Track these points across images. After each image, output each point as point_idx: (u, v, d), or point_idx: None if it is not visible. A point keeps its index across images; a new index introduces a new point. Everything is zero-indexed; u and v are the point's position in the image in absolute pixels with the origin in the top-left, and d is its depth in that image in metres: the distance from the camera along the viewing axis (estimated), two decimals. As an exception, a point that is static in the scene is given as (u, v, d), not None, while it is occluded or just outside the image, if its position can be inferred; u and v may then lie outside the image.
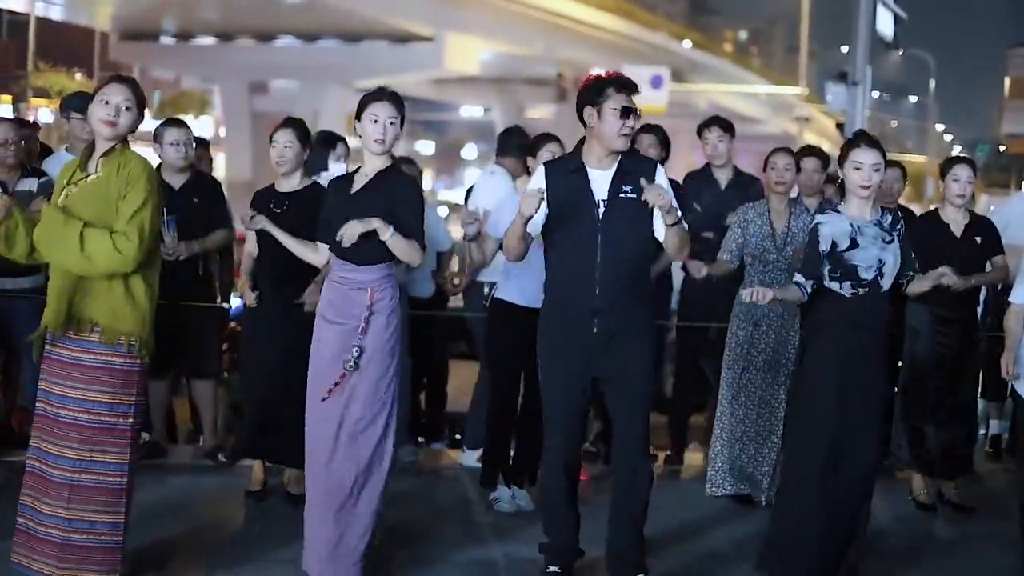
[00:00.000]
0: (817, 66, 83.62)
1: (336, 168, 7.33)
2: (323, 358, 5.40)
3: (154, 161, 7.62)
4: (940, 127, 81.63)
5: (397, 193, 5.38)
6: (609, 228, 5.33)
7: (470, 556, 5.95)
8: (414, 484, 7.09)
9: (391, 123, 5.37)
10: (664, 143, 7.61)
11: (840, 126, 22.94)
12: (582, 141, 5.60)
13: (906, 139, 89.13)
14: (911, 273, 5.62)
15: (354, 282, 5.35)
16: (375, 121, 5.36)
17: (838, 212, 5.55)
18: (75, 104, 7.20)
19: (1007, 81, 45.35)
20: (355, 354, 5.30)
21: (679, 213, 5.29)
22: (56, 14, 43.55)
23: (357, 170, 5.55)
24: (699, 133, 7.94)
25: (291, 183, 6.56)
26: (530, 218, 5.21)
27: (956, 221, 6.90)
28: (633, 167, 5.41)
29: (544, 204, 5.21)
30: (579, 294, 5.35)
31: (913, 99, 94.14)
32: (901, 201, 8.05)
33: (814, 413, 5.47)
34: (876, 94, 53.15)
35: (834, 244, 5.44)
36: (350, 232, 5.23)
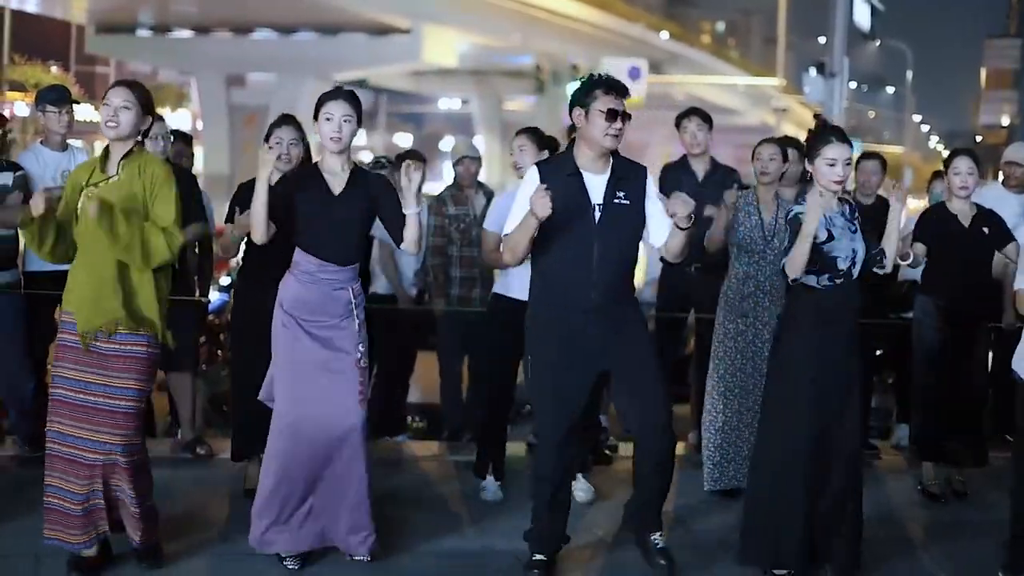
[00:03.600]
0: (795, 57, 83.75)
1: None
2: (310, 357, 5.44)
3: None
4: (917, 118, 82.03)
5: (378, 192, 5.54)
6: (605, 233, 5.37)
7: (449, 546, 5.98)
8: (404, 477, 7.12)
9: (346, 121, 5.42)
10: None
11: (818, 116, 23.00)
12: (571, 144, 5.59)
13: (883, 130, 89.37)
14: (878, 251, 5.68)
15: (336, 282, 5.47)
16: (328, 119, 5.43)
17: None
18: (50, 97, 7.15)
19: (983, 72, 45.37)
20: (363, 352, 5.48)
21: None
22: (31, 7, 43.27)
23: (316, 164, 5.60)
24: (677, 124, 7.94)
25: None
26: (544, 219, 5.17)
27: (963, 212, 6.93)
28: (625, 172, 5.46)
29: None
30: (575, 297, 5.38)
31: (890, 90, 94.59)
32: (881, 192, 8.07)
33: (791, 405, 5.50)
34: (853, 85, 53.40)
35: (814, 236, 5.42)
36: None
